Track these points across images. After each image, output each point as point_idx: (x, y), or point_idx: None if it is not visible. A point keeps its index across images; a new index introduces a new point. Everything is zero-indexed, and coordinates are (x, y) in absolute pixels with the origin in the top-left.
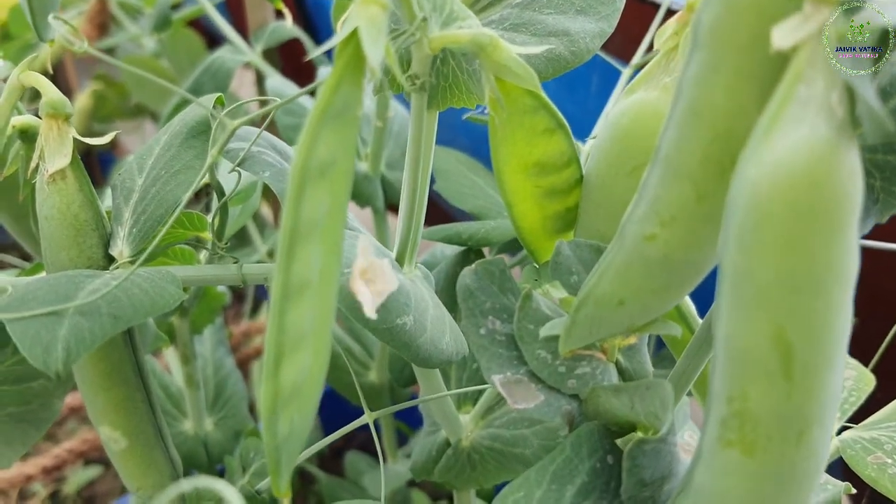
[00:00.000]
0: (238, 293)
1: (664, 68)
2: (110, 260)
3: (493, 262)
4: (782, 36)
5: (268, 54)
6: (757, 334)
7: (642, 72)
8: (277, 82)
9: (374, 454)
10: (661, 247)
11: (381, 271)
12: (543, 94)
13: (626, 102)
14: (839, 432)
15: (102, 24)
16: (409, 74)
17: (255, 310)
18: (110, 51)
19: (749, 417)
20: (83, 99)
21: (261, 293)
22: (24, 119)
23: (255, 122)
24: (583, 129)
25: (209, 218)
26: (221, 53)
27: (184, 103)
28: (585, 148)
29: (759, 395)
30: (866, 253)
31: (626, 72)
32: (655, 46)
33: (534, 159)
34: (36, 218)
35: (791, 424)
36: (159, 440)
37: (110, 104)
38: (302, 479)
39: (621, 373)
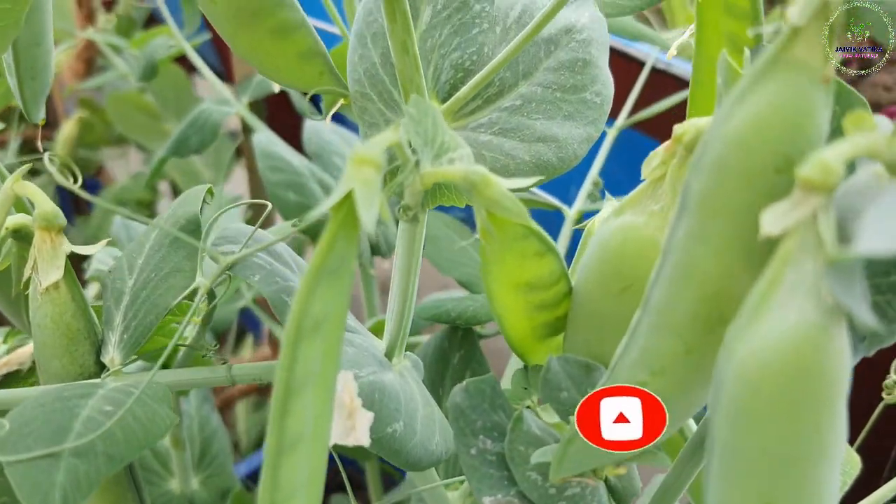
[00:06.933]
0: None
1: (651, 196)
2: (101, 366)
3: (484, 381)
4: (771, 222)
5: (254, 103)
6: (744, 502)
7: (630, 196)
8: (264, 139)
9: (361, 497)
10: (653, 393)
11: (361, 420)
12: (533, 224)
13: (615, 224)
14: None
15: (90, 59)
16: (403, 205)
17: (238, 343)
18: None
19: None
20: (69, 126)
21: (243, 327)
22: (16, 220)
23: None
24: (566, 187)
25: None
26: (207, 106)
27: (174, 150)
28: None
29: None
30: None
31: (610, 132)
32: (643, 175)
33: (524, 280)
34: (26, 305)
35: None
36: None
37: (96, 131)
38: None
39: (611, 490)
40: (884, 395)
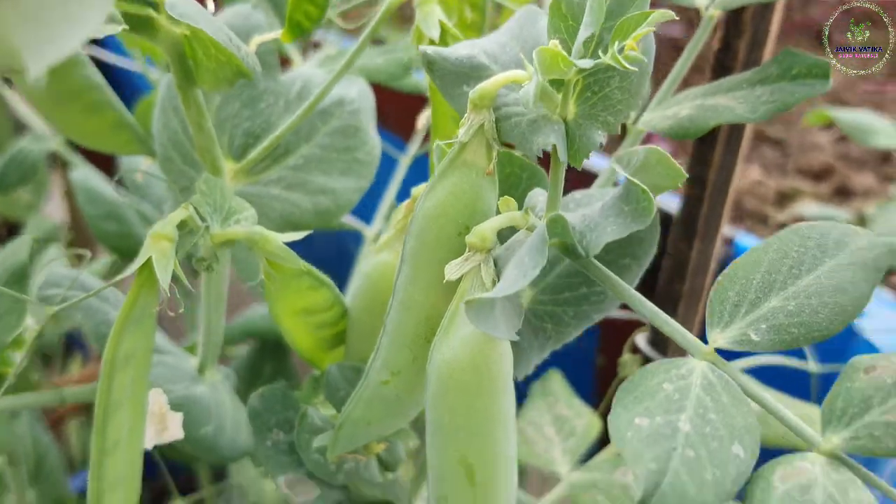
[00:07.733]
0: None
1: (399, 239)
2: None
3: (276, 387)
4: (451, 271)
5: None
6: (449, 459)
7: (385, 238)
8: (81, 176)
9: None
10: (393, 389)
11: (173, 421)
12: (304, 265)
13: (374, 261)
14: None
15: None
16: (198, 259)
17: (67, 361)
18: None
19: None
20: None
21: (69, 348)
22: None
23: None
24: (368, 211)
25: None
26: (27, 144)
27: None
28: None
29: (455, 498)
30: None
31: (405, 160)
32: (389, 226)
33: (302, 306)
34: None
35: None
36: None
37: None
38: None
39: (381, 462)
40: (618, 370)
